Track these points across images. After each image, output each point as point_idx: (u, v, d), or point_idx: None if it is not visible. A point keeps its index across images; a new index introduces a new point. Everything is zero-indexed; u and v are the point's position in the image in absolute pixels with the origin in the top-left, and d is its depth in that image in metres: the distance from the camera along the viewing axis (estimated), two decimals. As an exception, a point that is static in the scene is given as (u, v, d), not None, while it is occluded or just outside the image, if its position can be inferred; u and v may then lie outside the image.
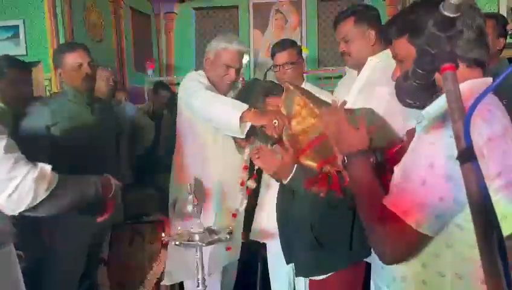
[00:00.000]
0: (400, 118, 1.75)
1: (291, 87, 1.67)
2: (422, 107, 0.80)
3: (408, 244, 1.01)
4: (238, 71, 2.25)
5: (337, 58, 5.98)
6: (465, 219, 0.95)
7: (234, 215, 2.20)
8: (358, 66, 2.03)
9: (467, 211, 0.89)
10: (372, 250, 1.24)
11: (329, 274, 1.84)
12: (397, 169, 1.06)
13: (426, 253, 1.03)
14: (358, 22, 1.98)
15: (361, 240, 1.82)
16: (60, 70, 2.29)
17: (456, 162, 0.84)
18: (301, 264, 1.90)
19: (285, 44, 2.52)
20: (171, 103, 3.73)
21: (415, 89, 0.73)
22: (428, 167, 0.93)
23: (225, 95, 2.27)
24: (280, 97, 1.75)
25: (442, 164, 0.91)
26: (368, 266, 1.85)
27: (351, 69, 2.18)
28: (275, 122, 1.73)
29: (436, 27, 0.62)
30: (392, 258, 1.05)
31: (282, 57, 2.44)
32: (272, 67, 2.62)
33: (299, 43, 4.53)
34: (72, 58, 2.25)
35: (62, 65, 2.27)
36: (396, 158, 1.09)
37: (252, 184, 1.97)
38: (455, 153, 0.63)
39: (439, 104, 0.91)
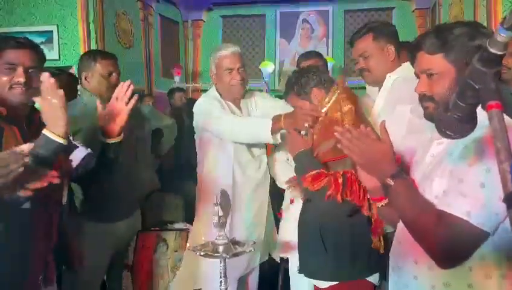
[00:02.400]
0: (424, 136, 1.73)
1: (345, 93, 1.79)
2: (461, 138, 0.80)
3: (471, 244, 1.03)
4: (242, 71, 2.28)
5: (363, 69, 5.96)
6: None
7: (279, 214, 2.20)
8: (378, 82, 2.01)
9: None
10: (392, 263, 1.28)
11: (336, 283, 1.83)
12: (439, 179, 1.10)
13: (473, 256, 1.05)
14: (377, 38, 1.96)
15: (377, 257, 1.82)
16: (86, 74, 2.22)
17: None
18: (310, 264, 1.89)
19: (310, 54, 2.55)
20: (189, 106, 3.77)
21: (456, 122, 0.73)
22: (485, 172, 0.97)
23: (239, 98, 2.32)
24: (325, 93, 1.82)
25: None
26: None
27: (370, 86, 2.16)
28: (307, 125, 1.82)
29: (481, 63, 0.62)
30: (455, 261, 1.06)
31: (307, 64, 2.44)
32: None
33: (325, 53, 4.52)
34: (104, 66, 2.25)
35: (91, 70, 2.21)
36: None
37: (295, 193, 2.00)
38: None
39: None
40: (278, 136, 2.04)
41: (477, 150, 1.01)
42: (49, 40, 4.22)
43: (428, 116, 1.17)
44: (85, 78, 2.21)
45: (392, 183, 1.16)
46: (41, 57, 1.55)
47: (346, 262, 1.80)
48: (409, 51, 1.19)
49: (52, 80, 1.36)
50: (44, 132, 1.37)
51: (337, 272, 1.81)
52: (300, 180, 1.77)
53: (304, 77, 1.88)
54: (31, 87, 1.45)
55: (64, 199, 1.61)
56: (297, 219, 2.15)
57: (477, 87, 0.64)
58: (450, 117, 0.73)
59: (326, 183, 1.68)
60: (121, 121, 1.60)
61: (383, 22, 2.17)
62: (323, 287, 1.84)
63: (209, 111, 2.22)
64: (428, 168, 1.19)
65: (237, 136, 2.17)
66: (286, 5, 6.13)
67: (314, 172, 1.71)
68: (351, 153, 1.24)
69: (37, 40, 4.33)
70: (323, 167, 1.75)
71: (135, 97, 1.60)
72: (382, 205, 1.35)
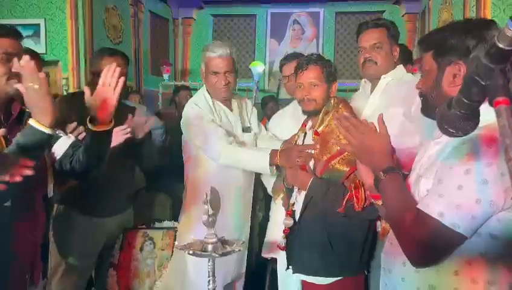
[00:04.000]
0: (415, 138, 1.74)
1: (340, 107, 1.89)
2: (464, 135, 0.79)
3: (445, 244, 1.04)
4: (229, 75, 2.25)
5: (353, 71, 5.99)
6: (500, 230, 1.00)
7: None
8: (376, 78, 2.03)
9: (503, 222, 0.98)
10: (383, 264, 1.29)
11: (333, 281, 1.83)
12: (424, 179, 1.11)
13: (459, 261, 1.06)
14: (389, 36, 1.99)
15: (370, 252, 1.86)
16: (93, 70, 2.34)
17: (491, 168, 0.93)
18: (309, 263, 1.89)
19: (292, 56, 2.54)
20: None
21: (458, 119, 0.71)
22: (464, 174, 0.97)
23: (225, 101, 2.31)
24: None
25: (482, 171, 0.96)
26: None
27: (367, 80, 2.16)
28: (298, 161, 1.92)
29: (489, 58, 0.61)
30: (428, 260, 1.07)
31: (289, 68, 2.44)
32: (281, 79, 2.64)
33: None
34: (108, 63, 2.27)
35: (98, 67, 2.27)
36: None
37: (288, 222, 1.98)
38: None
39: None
40: (273, 168, 2.14)
41: (461, 151, 1.01)
42: (37, 34, 4.14)
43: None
44: (93, 74, 2.31)
45: (382, 177, 1.18)
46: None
47: (350, 258, 1.81)
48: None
49: (32, 62, 1.31)
50: (30, 121, 1.33)
51: (342, 268, 1.83)
52: (338, 209, 1.74)
53: None
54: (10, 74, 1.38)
55: (50, 192, 1.56)
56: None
57: (483, 83, 0.63)
58: (453, 114, 0.72)
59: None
60: (109, 107, 1.49)
61: (392, 22, 2.17)
62: (324, 283, 1.85)
63: (202, 126, 2.20)
64: (422, 168, 1.19)
65: (235, 166, 2.21)
66: (277, 6, 6.12)
67: (347, 194, 1.70)
68: (349, 141, 1.25)
69: (24, 33, 4.25)
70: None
71: (122, 79, 1.50)
72: (382, 204, 1.34)
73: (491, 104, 0.60)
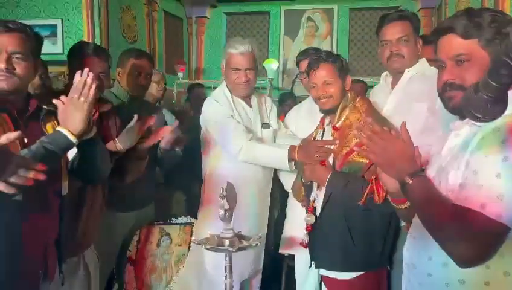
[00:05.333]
0: (439, 133, 1.71)
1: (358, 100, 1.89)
2: (491, 121, 0.76)
3: (490, 239, 0.99)
4: (249, 72, 2.25)
5: (367, 68, 5.93)
6: None
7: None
8: (402, 71, 1.99)
9: None
10: (406, 260, 1.26)
11: (355, 276, 1.82)
12: (453, 172, 1.07)
13: None
14: (414, 28, 1.95)
15: (392, 246, 1.82)
16: (120, 70, 2.40)
17: None
18: (331, 258, 1.88)
19: (309, 51, 2.52)
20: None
21: (486, 103, 0.69)
22: (501, 161, 0.93)
23: (245, 97, 2.33)
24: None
25: None
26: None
27: (389, 74, 2.13)
28: (317, 156, 1.92)
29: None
30: (477, 258, 1.02)
31: (306, 64, 2.42)
32: (299, 75, 2.62)
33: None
34: (135, 64, 2.34)
35: (124, 67, 2.37)
36: None
37: (310, 219, 1.97)
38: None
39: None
40: (292, 164, 2.15)
41: (495, 139, 0.96)
42: (53, 34, 4.18)
43: (454, 107, 1.09)
44: (118, 74, 2.41)
45: (410, 181, 1.13)
46: (34, 42, 1.45)
47: (372, 251, 1.81)
48: (434, 34, 1.13)
49: (90, 79, 1.34)
50: (61, 129, 1.35)
51: (364, 263, 1.83)
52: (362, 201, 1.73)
53: None
54: (13, 73, 1.36)
55: (65, 190, 1.56)
56: (302, 216, 2.13)
57: (513, 64, 0.61)
58: (481, 98, 0.70)
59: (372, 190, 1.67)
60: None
61: (414, 13, 2.14)
62: (347, 278, 1.84)
63: (222, 122, 2.22)
64: (445, 160, 1.16)
65: (254, 162, 2.22)
66: (290, 3, 6.10)
67: (368, 187, 1.68)
68: (371, 152, 1.20)
69: (41, 33, 4.32)
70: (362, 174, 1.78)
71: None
72: (405, 207, 1.31)
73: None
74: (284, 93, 4.99)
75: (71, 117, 1.36)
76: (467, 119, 1.08)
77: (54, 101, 1.40)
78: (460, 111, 1.07)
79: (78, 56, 1.99)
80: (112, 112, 2.10)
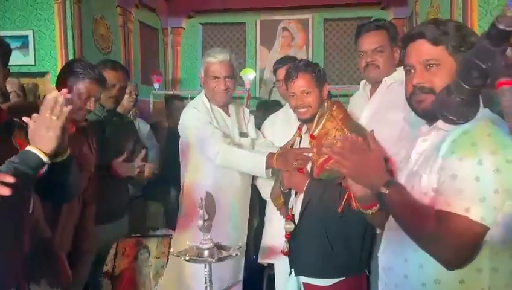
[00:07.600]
0: (414, 143, 1.73)
1: (334, 109, 1.90)
2: (465, 122, 0.78)
3: (473, 241, 1.02)
4: (228, 80, 2.27)
5: (343, 77, 6.02)
6: (501, 216, 0.99)
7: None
8: (378, 81, 2.02)
9: (504, 209, 0.97)
10: (382, 263, 1.28)
11: (335, 282, 1.83)
12: (426, 176, 1.09)
13: None
14: (390, 38, 1.97)
15: (368, 251, 1.87)
16: None
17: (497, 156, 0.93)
18: (310, 265, 1.88)
19: (285, 60, 2.55)
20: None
21: (459, 105, 0.71)
22: (477, 164, 0.96)
23: (224, 106, 2.34)
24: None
25: (491, 160, 0.96)
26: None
27: (367, 83, 2.15)
28: (295, 164, 1.93)
29: (489, 41, 0.60)
30: (464, 260, 1.04)
31: (283, 72, 2.44)
32: (275, 83, 2.64)
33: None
34: (109, 77, 2.30)
35: None
36: None
37: (289, 226, 1.96)
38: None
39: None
40: (270, 171, 2.14)
41: (466, 142, 0.99)
42: (25, 45, 4.10)
43: (423, 111, 1.14)
44: None
45: (386, 191, 1.15)
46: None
47: (350, 257, 1.82)
48: (404, 40, 1.17)
49: (61, 98, 1.26)
50: (30, 148, 1.27)
51: (343, 268, 1.84)
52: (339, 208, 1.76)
53: None
54: None
55: (31, 208, 1.49)
56: (281, 224, 2.13)
57: (484, 66, 0.62)
58: (453, 100, 0.72)
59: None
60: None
61: (391, 22, 2.16)
62: (327, 284, 1.84)
63: (200, 128, 2.22)
64: (416, 165, 1.18)
65: (231, 166, 2.21)
66: (266, 14, 6.15)
67: (345, 194, 1.70)
68: (342, 167, 1.21)
69: (12, 44, 4.21)
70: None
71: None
72: (373, 212, 1.33)
73: (493, 86, 0.60)
74: (262, 101, 5.01)
75: (42, 136, 1.27)
76: (433, 125, 1.12)
77: (25, 119, 1.32)
78: (429, 115, 1.11)
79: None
80: (87, 127, 2.06)
